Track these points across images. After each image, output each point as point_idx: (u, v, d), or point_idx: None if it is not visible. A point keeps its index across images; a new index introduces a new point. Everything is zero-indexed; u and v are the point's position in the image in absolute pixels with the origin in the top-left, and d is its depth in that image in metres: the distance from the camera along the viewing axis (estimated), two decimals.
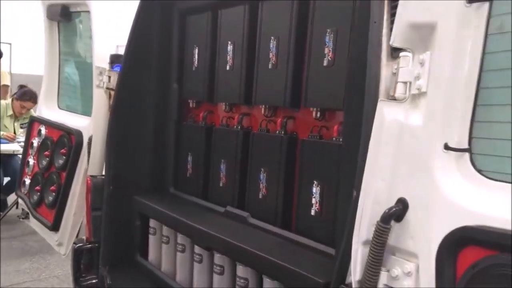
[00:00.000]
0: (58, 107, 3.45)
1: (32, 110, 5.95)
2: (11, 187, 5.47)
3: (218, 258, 2.02)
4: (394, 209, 1.15)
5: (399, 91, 1.19)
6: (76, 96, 3.35)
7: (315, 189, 1.81)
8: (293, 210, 1.94)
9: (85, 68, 3.14)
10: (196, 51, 2.47)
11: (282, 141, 1.99)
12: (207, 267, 2.12)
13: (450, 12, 1.07)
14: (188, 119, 2.61)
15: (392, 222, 1.16)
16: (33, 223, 3.36)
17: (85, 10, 3.01)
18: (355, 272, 1.21)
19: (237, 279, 1.91)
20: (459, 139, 1.08)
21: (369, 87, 1.29)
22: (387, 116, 1.19)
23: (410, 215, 1.14)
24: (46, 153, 3.17)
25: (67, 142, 2.98)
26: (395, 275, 1.16)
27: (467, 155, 1.07)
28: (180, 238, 2.28)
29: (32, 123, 3.49)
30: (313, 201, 1.82)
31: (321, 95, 1.80)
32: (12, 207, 5.40)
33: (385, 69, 1.28)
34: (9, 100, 6.21)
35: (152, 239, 2.53)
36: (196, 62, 2.49)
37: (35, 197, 3.22)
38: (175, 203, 2.50)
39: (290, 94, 1.93)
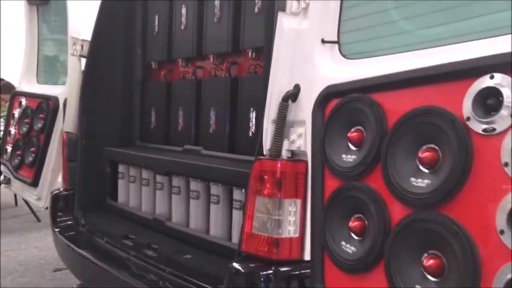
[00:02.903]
0: (37, 82, 3.80)
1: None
2: None
3: (175, 181, 2.40)
4: (290, 91, 1.56)
5: (294, 7, 1.61)
6: (54, 70, 3.71)
7: (252, 115, 2.22)
8: (236, 136, 2.34)
9: (61, 44, 3.51)
10: (156, 18, 2.88)
11: (226, 82, 2.40)
12: (167, 191, 2.49)
13: None
14: (151, 79, 3.00)
15: (290, 103, 1.57)
16: (14, 187, 3.69)
17: None
18: (266, 144, 1.61)
19: (191, 193, 2.29)
20: (331, 35, 1.50)
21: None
22: (285, 26, 1.60)
23: (301, 95, 1.55)
24: (27, 120, 3.51)
25: (45, 108, 3.33)
26: (291, 139, 1.56)
27: (336, 45, 1.50)
28: (144, 174, 2.66)
29: (13, 97, 3.84)
30: (250, 124, 2.22)
31: (254, 37, 2.22)
32: None
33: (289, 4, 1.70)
34: None
35: (121, 183, 2.89)
36: (156, 28, 2.89)
37: (17, 161, 3.54)
38: (141, 150, 2.87)
39: (232, 40, 2.35)
